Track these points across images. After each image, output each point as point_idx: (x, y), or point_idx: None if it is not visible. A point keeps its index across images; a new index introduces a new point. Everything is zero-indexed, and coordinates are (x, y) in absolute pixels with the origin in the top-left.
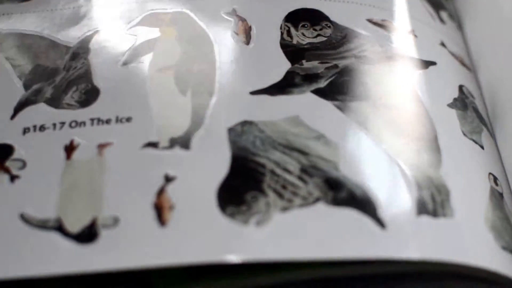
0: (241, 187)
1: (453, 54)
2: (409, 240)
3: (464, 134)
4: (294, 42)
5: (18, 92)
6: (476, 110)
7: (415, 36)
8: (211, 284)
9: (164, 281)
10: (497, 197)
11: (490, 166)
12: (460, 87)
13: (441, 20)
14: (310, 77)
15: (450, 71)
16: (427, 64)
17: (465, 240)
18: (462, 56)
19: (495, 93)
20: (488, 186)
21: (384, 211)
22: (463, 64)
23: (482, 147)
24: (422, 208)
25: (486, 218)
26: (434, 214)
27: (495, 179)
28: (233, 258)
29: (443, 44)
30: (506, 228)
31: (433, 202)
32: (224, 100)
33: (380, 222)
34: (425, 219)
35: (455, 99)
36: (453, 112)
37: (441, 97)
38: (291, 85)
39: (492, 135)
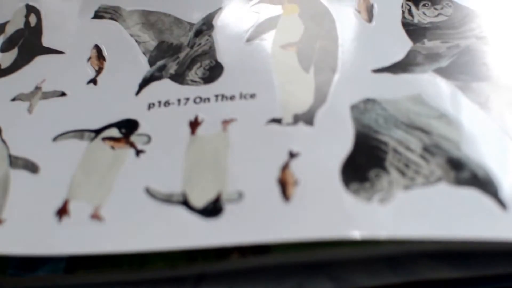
0: (365, 165)
1: None
2: None
3: None
4: (416, 21)
5: (143, 68)
6: None
7: None
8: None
9: (282, 245)
10: None
11: None
12: None
13: None
14: (432, 57)
15: None
16: None
17: None
18: None
19: None
20: None
21: (506, 193)
22: None
23: None
24: None
25: None
26: None
27: None
28: (357, 234)
29: None
30: None
31: None
32: (347, 77)
33: (501, 203)
34: None
35: None
36: None
37: None
38: (413, 64)
39: None
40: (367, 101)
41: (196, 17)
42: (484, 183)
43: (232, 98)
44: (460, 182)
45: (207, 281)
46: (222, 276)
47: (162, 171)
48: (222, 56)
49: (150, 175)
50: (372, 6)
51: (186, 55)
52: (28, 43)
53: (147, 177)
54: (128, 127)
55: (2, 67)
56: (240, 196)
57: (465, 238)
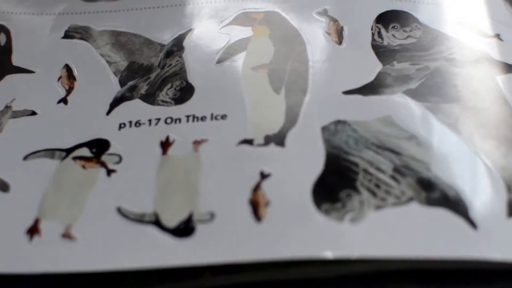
0: (336, 185)
1: None
2: (501, 241)
3: None
4: (385, 43)
5: (114, 88)
6: None
7: (501, 40)
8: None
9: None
10: None
11: None
12: None
13: None
14: (402, 78)
15: None
16: None
17: None
18: None
19: None
20: None
21: (476, 212)
22: None
23: None
24: None
25: None
26: None
27: None
28: (329, 254)
29: None
30: None
31: None
32: (317, 99)
33: (472, 223)
34: None
35: None
36: None
37: None
38: (382, 86)
39: None
40: (338, 122)
41: (166, 38)
42: (454, 203)
43: (203, 119)
44: (431, 202)
45: None
46: None
47: (134, 191)
48: (193, 77)
49: (121, 194)
50: (342, 28)
51: (156, 76)
52: None
53: (118, 196)
54: (99, 146)
55: None
56: (212, 216)
57: (436, 257)
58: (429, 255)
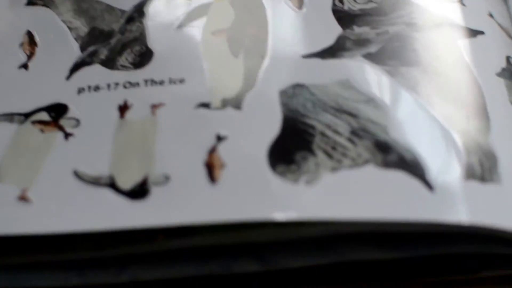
0: (292, 147)
1: (500, 26)
2: (457, 204)
3: None
4: (346, 8)
5: (74, 53)
6: None
7: (464, 5)
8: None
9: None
10: None
11: None
12: (507, 58)
13: None
14: (361, 42)
15: (497, 41)
16: (476, 33)
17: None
18: (508, 28)
19: None
20: None
21: (433, 175)
22: (509, 36)
23: None
24: (470, 173)
25: None
26: (482, 179)
27: None
28: (283, 215)
29: (490, 15)
30: None
31: (481, 168)
32: (276, 63)
33: (428, 185)
34: (473, 184)
35: (503, 69)
36: (501, 81)
37: (489, 66)
38: (342, 50)
39: None
40: (296, 86)
41: (127, 4)
42: (411, 166)
43: (161, 83)
44: (387, 164)
45: (132, 263)
46: (147, 258)
47: (90, 154)
48: (153, 42)
49: (78, 158)
50: None
51: (117, 41)
52: None
53: (75, 160)
54: (57, 111)
55: None
56: (166, 179)
57: (392, 219)
58: (384, 217)
